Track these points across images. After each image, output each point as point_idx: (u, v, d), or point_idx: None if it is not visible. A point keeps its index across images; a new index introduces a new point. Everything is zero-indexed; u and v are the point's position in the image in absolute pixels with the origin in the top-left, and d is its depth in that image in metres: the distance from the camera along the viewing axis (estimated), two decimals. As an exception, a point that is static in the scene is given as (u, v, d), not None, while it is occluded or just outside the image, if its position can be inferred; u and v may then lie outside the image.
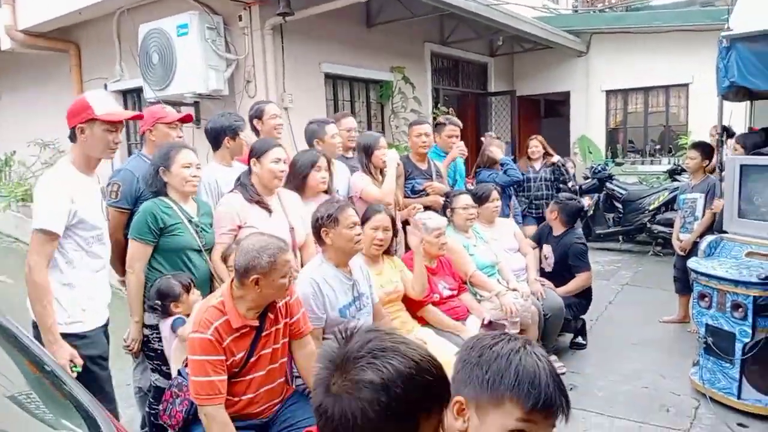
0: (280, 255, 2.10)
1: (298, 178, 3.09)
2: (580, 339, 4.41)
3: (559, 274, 4.24)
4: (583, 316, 4.41)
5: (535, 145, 5.87)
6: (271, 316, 2.22)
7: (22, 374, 1.21)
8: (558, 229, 4.33)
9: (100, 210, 2.40)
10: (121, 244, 2.70)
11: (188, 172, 2.63)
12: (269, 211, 2.82)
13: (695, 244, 4.33)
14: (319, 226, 2.62)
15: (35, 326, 2.25)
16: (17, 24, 6.94)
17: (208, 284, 2.74)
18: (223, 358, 2.07)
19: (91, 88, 7.20)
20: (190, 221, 2.66)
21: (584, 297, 4.34)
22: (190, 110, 5.94)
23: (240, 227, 2.78)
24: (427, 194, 3.99)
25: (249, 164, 2.88)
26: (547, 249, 4.33)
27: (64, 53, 7.34)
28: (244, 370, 2.16)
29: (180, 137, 3.03)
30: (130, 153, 7.22)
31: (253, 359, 2.17)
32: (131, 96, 6.95)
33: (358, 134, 4.04)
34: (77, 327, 2.30)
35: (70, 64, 7.34)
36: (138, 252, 2.58)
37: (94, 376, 2.31)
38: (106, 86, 6.97)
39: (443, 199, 3.95)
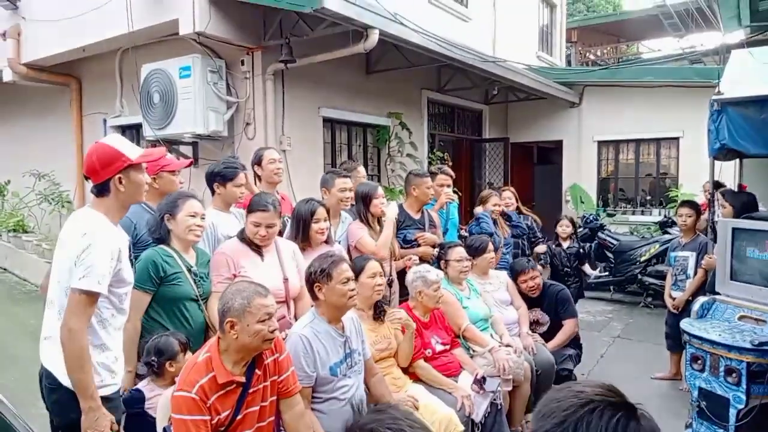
0: (255, 298, 2.09)
1: (298, 228, 3.12)
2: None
3: (550, 330, 4.22)
4: (574, 371, 4.37)
5: (509, 197, 5.33)
6: (258, 372, 2.18)
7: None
8: (536, 291, 4.28)
9: (130, 265, 2.30)
10: None
11: (192, 221, 2.64)
12: (260, 255, 2.82)
13: (688, 302, 4.35)
14: (312, 281, 2.61)
15: (42, 377, 2.16)
16: (21, 57, 7.02)
17: (203, 334, 2.72)
18: (207, 418, 2.03)
19: (91, 123, 7.29)
20: (189, 270, 2.66)
21: (576, 347, 4.31)
22: (188, 150, 5.98)
23: (235, 276, 2.77)
24: (419, 245, 4.00)
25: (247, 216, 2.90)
26: (535, 313, 4.26)
27: (65, 87, 7.43)
28: (230, 429, 2.11)
29: (181, 183, 3.03)
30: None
31: (239, 417, 2.12)
32: (130, 132, 6.98)
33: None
34: (105, 390, 2.17)
35: (70, 98, 7.42)
36: (137, 300, 2.53)
37: None
38: (105, 121, 7.03)
39: (435, 250, 3.96)
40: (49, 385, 2.13)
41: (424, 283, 3.32)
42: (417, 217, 4.16)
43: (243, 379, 2.13)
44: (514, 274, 4.26)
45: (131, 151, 2.19)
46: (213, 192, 3.33)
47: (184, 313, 2.64)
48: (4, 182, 8.52)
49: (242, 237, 2.90)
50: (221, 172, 3.25)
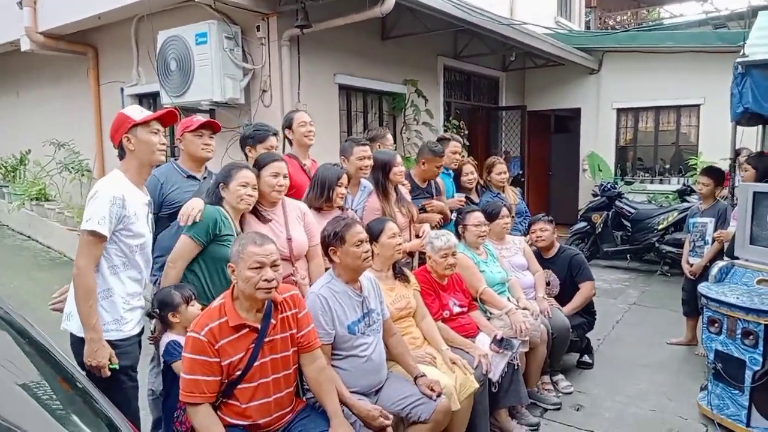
0: (248, 246, 2.17)
1: (322, 190, 3.13)
2: (586, 358, 4.41)
3: (565, 295, 4.25)
4: (588, 335, 4.41)
5: (471, 170, 4.71)
6: (274, 321, 2.25)
7: (53, 390, 1.24)
8: (549, 252, 4.34)
9: (146, 221, 2.48)
10: None
11: (244, 191, 2.66)
12: (264, 220, 2.83)
13: (705, 268, 4.34)
14: (326, 245, 2.66)
15: (74, 342, 2.35)
16: (37, 26, 7.04)
17: None
18: (214, 360, 2.11)
19: (108, 91, 7.34)
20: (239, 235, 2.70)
21: (589, 314, 4.34)
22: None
23: None
24: (426, 211, 4.01)
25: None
26: (548, 275, 4.28)
27: (82, 56, 7.45)
28: (248, 375, 2.19)
29: (208, 145, 3.02)
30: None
31: (256, 363, 2.20)
32: (147, 100, 7.02)
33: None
34: (112, 335, 2.35)
35: (87, 66, 7.45)
36: (186, 249, 2.60)
37: (121, 385, 2.36)
38: (122, 90, 7.07)
39: (439, 217, 3.98)
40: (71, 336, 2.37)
41: (432, 249, 3.34)
42: (424, 185, 4.15)
43: (257, 325, 2.20)
44: (528, 224, 4.20)
45: (138, 114, 2.43)
46: (246, 157, 3.36)
47: (226, 274, 2.65)
48: (25, 152, 8.65)
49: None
50: (252, 134, 3.30)
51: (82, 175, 7.61)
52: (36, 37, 7.06)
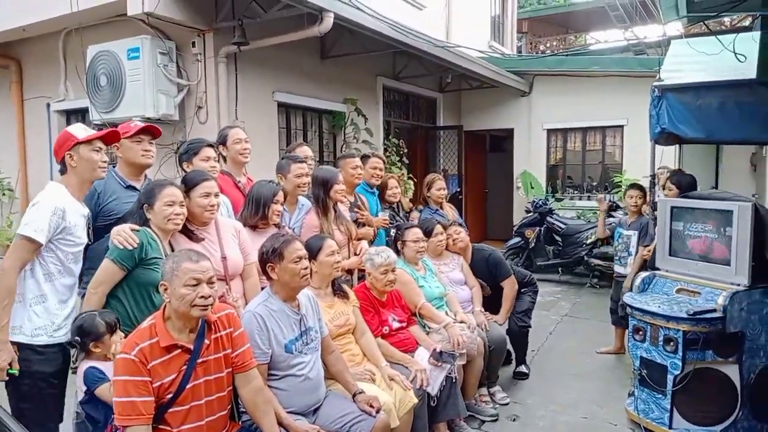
0: (183, 262, 2.12)
1: (258, 208, 3.08)
2: (523, 368, 4.54)
3: (494, 299, 4.34)
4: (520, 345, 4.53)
5: (395, 185, 4.68)
6: (207, 341, 2.19)
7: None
8: (466, 256, 4.38)
9: (84, 231, 2.57)
10: None
11: (170, 210, 2.54)
12: (196, 239, 2.74)
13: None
14: (264, 261, 2.62)
15: None
16: (-47, 37, 6.64)
17: None
18: (147, 379, 2.04)
19: (33, 107, 7.00)
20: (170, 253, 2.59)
21: (532, 292, 4.54)
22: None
23: None
24: (359, 224, 4.01)
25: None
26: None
27: (4, 69, 7.07)
28: (180, 397, 2.12)
29: (148, 152, 2.90)
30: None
31: (189, 386, 2.13)
32: (75, 117, 6.73)
33: (313, 164, 4.04)
34: (41, 339, 2.41)
35: (9, 80, 7.07)
36: (109, 275, 2.46)
37: (40, 392, 2.38)
38: (48, 105, 6.76)
39: (372, 230, 4.03)
40: None
41: (372, 266, 3.36)
42: (351, 199, 4.15)
43: (190, 345, 2.14)
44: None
45: (81, 132, 2.53)
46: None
47: (152, 298, 2.54)
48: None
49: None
50: (186, 149, 3.22)
51: (3, 194, 7.17)
52: (-48, 48, 6.67)
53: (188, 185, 2.75)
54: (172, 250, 2.61)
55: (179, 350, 2.12)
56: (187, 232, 2.73)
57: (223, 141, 3.59)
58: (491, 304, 4.32)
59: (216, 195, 2.80)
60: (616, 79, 9.18)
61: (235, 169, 3.63)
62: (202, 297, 2.10)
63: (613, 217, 7.89)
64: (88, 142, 2.49)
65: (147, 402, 2.03)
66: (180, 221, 2.61)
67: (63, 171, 2.54)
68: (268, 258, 2.60)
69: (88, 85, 5.56)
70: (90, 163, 2.50)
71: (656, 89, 4.45)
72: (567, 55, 11.44)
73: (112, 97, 5.34)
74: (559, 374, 4.57)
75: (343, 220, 3.74)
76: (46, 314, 2.44)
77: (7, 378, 2.32)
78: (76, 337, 2.36)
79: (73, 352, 2.51)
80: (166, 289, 2.12)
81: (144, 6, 4.81)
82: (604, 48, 13.65)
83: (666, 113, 4.41)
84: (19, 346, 2.36)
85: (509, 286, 4.33)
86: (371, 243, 3.98)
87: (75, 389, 2.78)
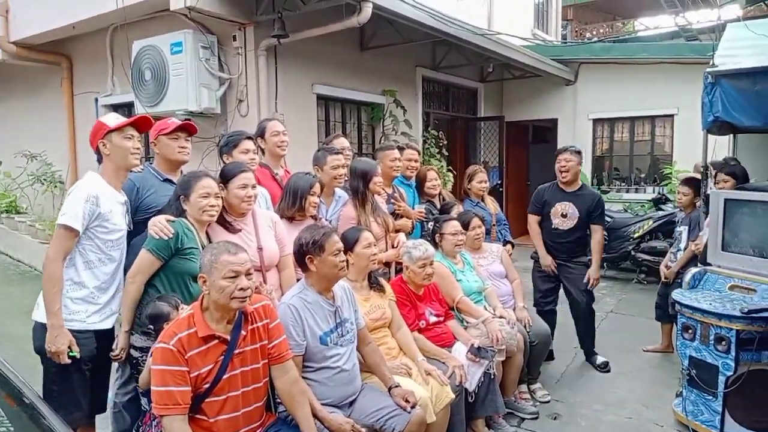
0: (222, 255, 2.13)
1: (294, 199, 3.08)
2: (599, 358, 4.50)
3: (575, 234, 4.35)
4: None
5: (434, 177, 4.56)
6: (244, 333, 2.21)
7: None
8: (574, 184, 4.41)
9: (122, 218, 2.64)
10: None
11: (206, 202, 2.58)
12: (233, 230, 2.76)
13: (678, 274, 4.39)
14: (303, 253, 2.60)
15: (36, 328, 2.51)
16: (9, 35, 6.93)
17: None
18: (185, 369, 2.06)
19: (82, 102, 7.23)
20: (203, 248, 2.61)
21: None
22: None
23: None
24: (397, 216, 3.97)
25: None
26: (565, 206, 4.35)
27: (56, 66, 7.34)
28: (217, 388, 2.14)
29: (184, 149, 2.92)
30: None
31: (225, 376, 2.15)
32: (122, 111, 6.90)
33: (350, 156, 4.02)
34: (72, 325, 2.46)
35: (61, 77, 7.34)
36: (146, 264, 2.52)
37: (68, 376, 2.46)
38: (97, 100, 6.98)
39: (410, 222, 3.99)
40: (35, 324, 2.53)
41: (409, 259, 3.32)
42: (389, 191, 4.12)
43: (227, 336, 2.15)
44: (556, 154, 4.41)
45: (113, 121, 2.61)
46: None
47: (189, 287, 2.60)
48: (-4, 163, 8.47)
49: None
50: (226, 142, 3.25)
51: (55, 186, 7.47)
52: (8, 47, 6.96)
53: (226, 177, 2.77)
54: (209, 241, 2.64)
55: (216, 341, 2.14)
56: (224, 223, 2.75)
57: (261, 133, 3.61)
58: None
59: (253, 186, 2.81)
60: (667, 67, 8.79)
61: (273, 162, 3.64)
62: (240, 289, 2.12)
63: (662, 210, 7.65)
64: (120, 129, 2.58)
65: (184, 392, 2.05)
66: (215, 212, 2.64)
67: (99, 160, 2.63)
68: (308, 250, 2.58)
69: (133, 80, 5.70)
70: (123, 150, 2.58)
71: (710, 75, 4.23)
72: (614, 41, 11.05)
73: (156, 91, 5.46)
74: (604, 373, 4.43)
75: (381, 213, 3.70)
76: (82, 302, 2.51)
77: (69, 361, 2.41)
78: (150, 326, 2.44)
79: (116, 341, 2.59)
80: (204, 281, 2.14)
81: (186, 0, 4.88)
82: (653, 34, 13.11)
83: (720, 101, 4.19)
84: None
85: (600, 234, 4.38)
86: (408, 236, 3.94)
87: (114, 379, 2.87)
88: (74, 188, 2.53)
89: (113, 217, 2.55)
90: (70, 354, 2.40)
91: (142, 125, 2.67)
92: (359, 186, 3.57)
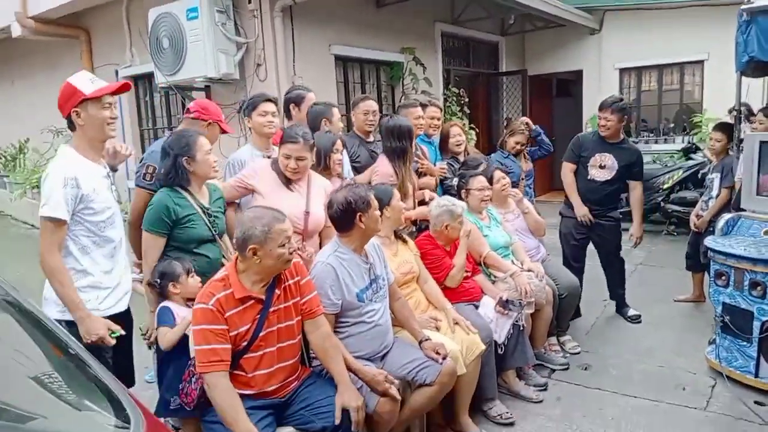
0: (275, 224, 2.14)
1: (318, 159, 3.06)
2: (632, 311, 4.49)
3: (611, 187, 4.29)
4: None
5: (458, 132, 4.47)
6: (278, 291, 2.25)
7: (46, 357, 1.23)
8: (615, 137, 4.29)
9: (109, 193, 2.39)
10: None
11: (212, 158, 2.61)
12: (289, 189, 2.83)
13: (711, 223, 4.30)
14: (353, 210, 2.54)
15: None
16: (27, 11, 6.96)
17: (219, 268, 2.70)
18: (225, 327, 2.11)
19: (103, 74, 7.22)
20: (204, 211, 2.62)
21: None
22: (201, 95, 5.94)
23: (249, 190, 2.89)
24: (420, 174, 3.94)
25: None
26: (604, 157, 4.25)
27: (75, 39, 7.38)
28: (254, 345, 2.19)
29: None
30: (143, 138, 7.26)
31: (262, 333, 2.20)
32: (142, 82, 6.97)
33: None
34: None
35: (80, 50, 7.38)
36: (150, 243, 2.54)
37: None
38: (117, 72, 7.01)
39: (435, 179, 3.97)
40: None
41: (450, 217, 3.30)
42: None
43: (262, 296, 2.20)
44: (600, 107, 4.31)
45: (88, 86, 2.26)
46: (250, 130, 3.33)
47: (203, 253, 2.62)
48: (24, 140, 8.63)
49: (275, 167, 2.88)
50: (247, 104, 3.23)
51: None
52: (27, 22, 7.00)
53: (249, 108, 2.91)
54: (214, 197, 2.71)
55: (252, 301, 2.18)
56: (286, 179, 2.82)
57: (297, 101, 3.58)
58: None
59: (273, 114, 2.92)
60: (695, 11, 8.41)
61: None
62: (291, 252, 2.20)
63: (692, 159, 7.44)
64: (97, 98, 2.25)
65: (226, 349, 2.10)
66: (218, 169, 2.71)
67: (72, 128, 2.31)
68: (359, 207, 2.54)
69: (151, 49, 5.70)
70: (99, 120, 2.29)
71: (744, 13, 4.02)
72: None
73: (174, 59, 5.45)
74: (634, 323, 4.41)
75: (411, 171, 3.68)
76: (91, 289, 2.32)
77: (114, 342, 2.27)
78: (156, 279, 2.49)
79: (144, 324, 2.63)
80: (255, 252, 2.11)
81: (199, -36, 4.82)
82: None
83: (755, 39, 3.98)
84: (69, 324, 2.24)
85: (639, 190, 4.37)
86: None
87: (154, 349, 2.94)
88: (49, 170, 2.24)
89: (98, 196, 2.30)
90: (114, 335, 2.26)
91: (121, 91, 2.41)
92: (401, 143, 3.51)
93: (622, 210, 7.55)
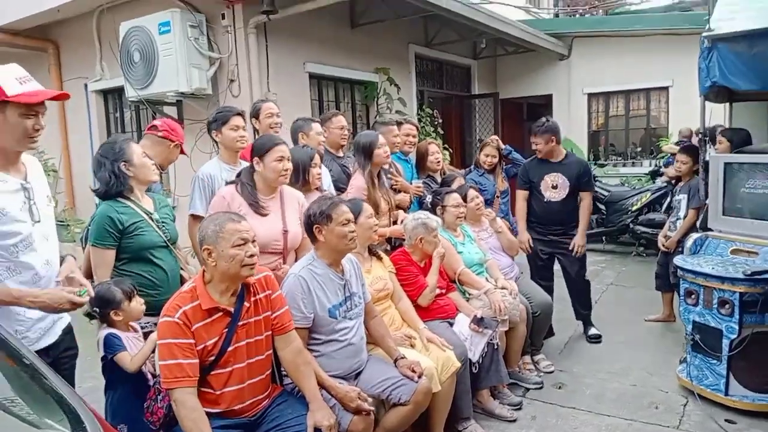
0: (227, 223, 2.10)
1: (297, 174, 3.02)
2: (594, 330, 4.49)
3: (569, 205, 4.33)
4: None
5: (436, 150, 4.51)
6: (247, 304, 2.18)
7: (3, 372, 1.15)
8: (556, 156, 4.35)
9: (23, 211, 1.95)
10: None
11: (148, 161, 2.54)
12: (261, 214, 2.73)
13: (679, 243, 4.38)
14: (311, 223, 2.57)
15: None
16: (-7, 21, 6.78)
17: (178, 278, 2.63)
18: (192, 341, 2.04)
19: (72, 88, 7.09)
20: (150, 217, 2.54)
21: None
22: (173, 110, 5.85)
23: None
24: (395, 190, 3.94)
25: (251, 162, 2.80)
26: (555, 177, 4.31)
27: (43, 52, 7.19)
28: (222, 360, 2.12)
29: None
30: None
31: (230, 348, 2.12)
32: (112, 96, 6.83)
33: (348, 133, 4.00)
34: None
35: (48, 63, 7.19)
36: (100, 258, 2.43)
37: None
38: (86, 86, 6.86)
39: (408, 197, 3.96)
40: None
41: (425, 230, 3.29)
42: (386, 166, 4.06)
43: (230, 308, 2.13)
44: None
45: (14, 86, 1.83)
46: (216, 143, 3.28)
47: (155, 261, 2.52)
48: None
49: (242, 191, 2.76)
50: (215, 117, 3.17)
51: (48, 174, 7.34)
52: (-8, 33, 6.81)
53: (260, 151, 2.74)
54: (160, 205, 2.65)
55: (220, 313, 2.11)
56: (256, 205, 2.72)
57: (255, 114, 3.60)
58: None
59: (288, 159, 2.78)
60: (661, 38, 8.72)
61: None
62: (250, 255, 2.10)
63: (659, 182, 7.63)
64: (25, 104, 1.85)
65: (193, 364, 2.02)
66: (157, 171, 2.64)
67: None
68: (316, 220, 2.54)
69: (122, 62, 5.60)
70: (16, 130, 1.87)
71: (706, 40, 4.17)
72: (607, 14, 10.95)
73: (146, 73, 5.37)
74: (606, 342, 4.43)
75: (385, 189, 3.66)
76: (10, 322, 1.89)
77: (87, 299, 1.94)
78: (95, 309, 2.34)
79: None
80: (210, 253, 2.08)
81: (173, -22, 4.78)
82: (645, 8, 13.01)
83: (717, 65, 4.13)
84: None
85: (588, 200, 4.39)
86: (406, 211, 3.90)
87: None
88: None
89: (4, 216, 1.87)
90: (81, 293, 1.91)
91: (57, 98, 2.08)
92: (363, 160, 3.53)
93: (590, 232, 7.72)
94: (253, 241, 2.14)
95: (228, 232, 2.08)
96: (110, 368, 2.33)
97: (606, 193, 7.80)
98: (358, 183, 3.49)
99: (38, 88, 1.92)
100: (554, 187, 4.33)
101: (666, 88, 9.06)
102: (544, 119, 4.40)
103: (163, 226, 2.58)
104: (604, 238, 7.79)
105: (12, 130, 1.87)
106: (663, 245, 4.67)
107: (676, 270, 3.63)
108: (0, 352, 1.16)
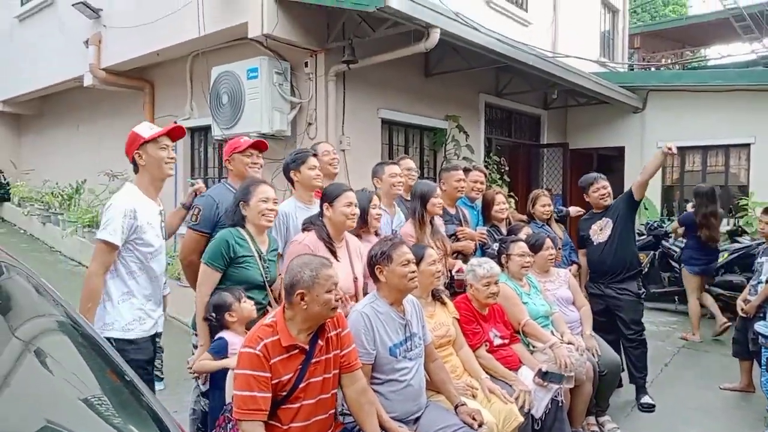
0: (322, 269, 2.19)
1: (361, 216, 3.14)
2: (647, 398, 4.25)
3: (615, 246, 4.32)
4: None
5: (502, 200, 4.57)
6: (321, 342, 2.25)
7: (99, 381, 1.28)
8: (601, 207, 4.48)
9: (159, 230, 2.66)
10: (195, 265, 2.85)
11: (264, 206, 2.75)
12: (334, 254, 2.86)
13: (760, 308, 4.15)
14: (373, 264, 2.67)
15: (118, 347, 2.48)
16: (100, 63, 7.49)
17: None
18: (269, 375, 2.10)
19: (162, 125, 7.61)
20: (260, 256, 2.76)
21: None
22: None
23: None
24: (458, 239, 3.99)
25: (321, 207, 2.98)
26: (600, 222, 4.45)
27: (140, 91, 7.85)
28: (293, 396, 2.18)
29: (255, 164, 3.16)
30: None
31: (302, 384, 2.18)
32: (198, 133, 7.31)
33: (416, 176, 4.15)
34: (131, 334, 2.54)
35: (143, 100, 7.83)
36: (207, 276, 2.70)
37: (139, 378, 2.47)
38: (176, 123, 7.37)
39: (473, 244, 4.01)
40: None
41: (473, 277, 3.31)
42: (453, 212, 4.15)
43: (306, 346, 2.21)
44: (586, 186, 4.52)
45: (147, 131, 2.62)
46: (292, 183, 3.42)
47: (251, 296, 2.71)
48: (81, 181, 9.07)
49: (321, 235, 2.90)
50: (293, 159, 3.37)
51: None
52: (99, 73, 7.51)
53: (330, 197, 2.92)
54: (271, 247, 2.86)
55: (297, 350, 2.19)
56: (332, 248, 2.87)
57: (314, 154, 3.77)
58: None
59: (356, 205, 2.95)
60: (742, 94, 8.44)
61: (328, 181, 3.77)
62: (338, 299, 2.23)
63: (738, 242, 7.25)
64: (155, 140, 2.59)
65: (266, 398, 2.09)
66: (272, 218, 2.81)
67: (136, 170, 2.65)
68: (377, 260, 2.64)
69: (211, 103, 6.02)
70: (158, 160, 2.60)
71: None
72: (683, 68, 10.72)
73: (232, 115, 5.74)
74: (678, 408, 4.21)
75: (439, 235, 3.73)
76: (133, 309, 2.56)
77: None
78: (212, 314, 2.61)
79: (193, 356, 2.73)
80: (303, 297, 2.15)
81: (263, 28, 5.16)
82: (726, 63, 12.65)
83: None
84: (115, 340, 2.46)
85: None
86: (468, 257, 3.94)
87: (193, 386, 2.99)
88: (112, 201, 2.56)
89: (150, 230, 2.58)
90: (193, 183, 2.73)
91: (174, 135, 2.70)
92: (417, 207, 3.63)
93: (659, 291, 7.37)
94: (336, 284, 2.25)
95: (323, 278, 2.17)
96: (213, 392, 2.55)
97: (679, 251, 7.48)
98: (405, 230, 3.60)
99: (161, 131, 2.65)
100: (600, 230, 4.43)
101: (747, 145, 8.70)
102: (584, 176, 4.59)
103: (268, 266, 2.81)
104: (676, 297, 7.43)
105: (154, 162, 2.61)
106: (742, 310, 4.44)
107: (757, 337, 3.44)
108: (104, 366, 1.30)
